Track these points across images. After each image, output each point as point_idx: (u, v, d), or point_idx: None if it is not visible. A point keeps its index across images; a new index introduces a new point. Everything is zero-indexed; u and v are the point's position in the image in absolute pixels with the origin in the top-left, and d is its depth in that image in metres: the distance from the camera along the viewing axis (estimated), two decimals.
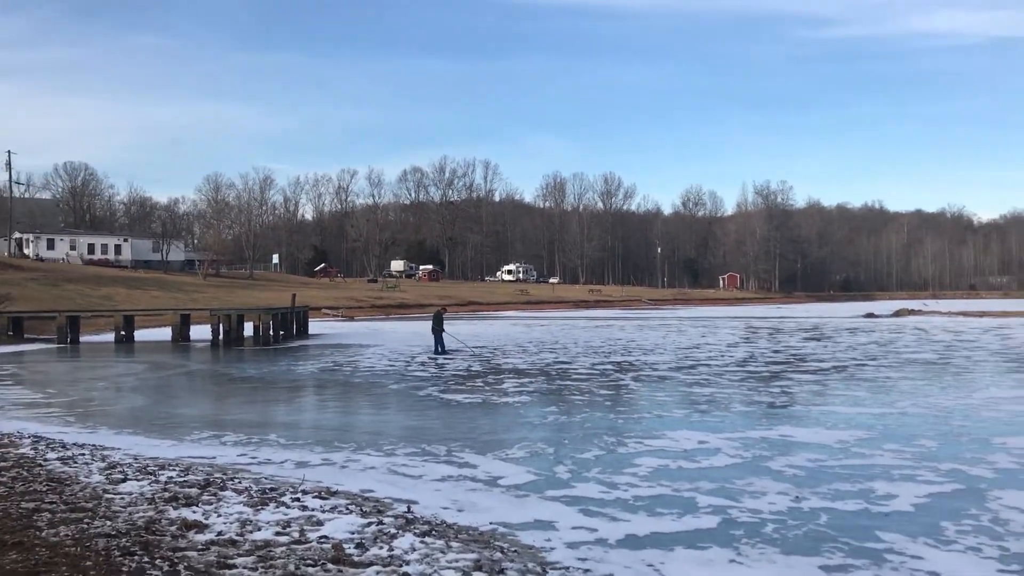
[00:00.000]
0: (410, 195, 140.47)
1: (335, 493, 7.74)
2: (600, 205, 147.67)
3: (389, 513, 7.04)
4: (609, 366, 21.29)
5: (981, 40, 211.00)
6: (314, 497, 7.45)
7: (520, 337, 32.93)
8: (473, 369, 20.75)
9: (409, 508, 7.22)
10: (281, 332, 33.99)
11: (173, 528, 6.16)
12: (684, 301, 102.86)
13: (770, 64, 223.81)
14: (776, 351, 26.26)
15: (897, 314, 58.96)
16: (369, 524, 6.51)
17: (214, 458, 9.82)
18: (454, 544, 6.05)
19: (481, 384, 17.51)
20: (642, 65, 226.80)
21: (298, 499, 7.29)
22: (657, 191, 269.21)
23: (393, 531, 6.31)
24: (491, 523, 6.89)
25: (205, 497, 7.25)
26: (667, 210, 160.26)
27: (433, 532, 6.32)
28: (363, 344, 30.26)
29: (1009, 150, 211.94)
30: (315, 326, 41.66)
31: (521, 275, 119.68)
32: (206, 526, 6.27)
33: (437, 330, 25.64)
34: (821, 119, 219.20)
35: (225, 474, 8.67)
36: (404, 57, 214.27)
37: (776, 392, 15.87)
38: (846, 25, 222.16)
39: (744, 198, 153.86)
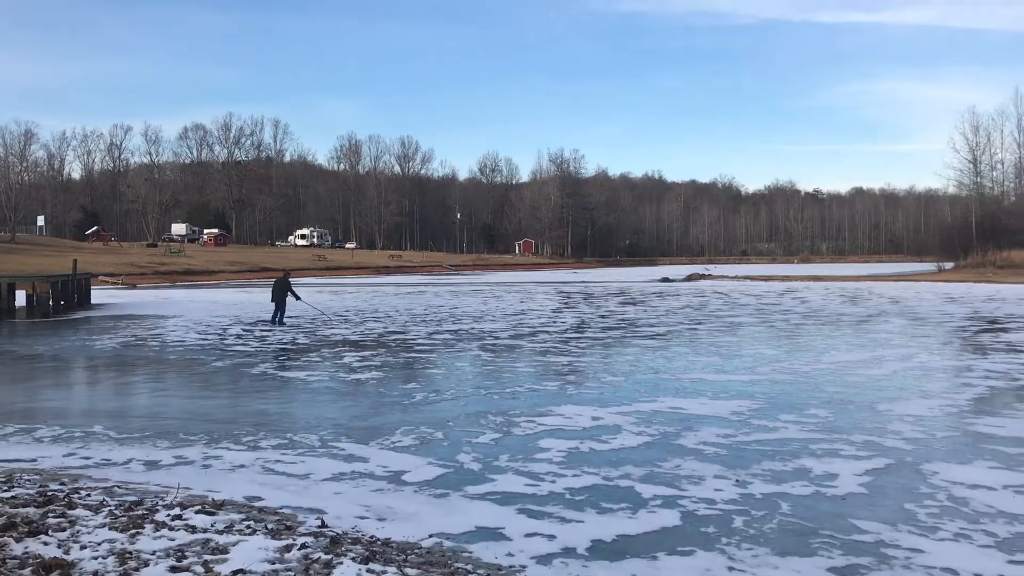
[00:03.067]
0: (192, 154, 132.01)
1: (221, 506, 6.22)
2: (397, 169, 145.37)
3: (301, 530, 5.66)
4: (447, 335, 20.25)
5: (751, 21, 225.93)
6: (196, 512, 5.91)
7: (334, 305, 31.13)
8: (300, 342, 19.05)
9: (322, 522, 5.87)
10: (62, 302, 30.27)
11: (27, 573, 4.53)
12: (484, 266, 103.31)
13: (562, 34, 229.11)
14: (603, 316, 26.23)
15: (690, 278, 61.75)
16: (288, 548, 5.12)
17: (35, 461, 7.90)
18: (410, 572, 4.82)
19: (318, 359, 15.96)
20: (438, 29, 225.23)
21: (178, 516, 5.74)
22: (455, 156, 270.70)
23: (323, 556, 4.98)
24: (430, 535, 5.71)
25: (52, 520, 5.53)
26: (465, 176, 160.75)
27: (375, 556, 5.05)
28: (160, 315, 27.39)
29: (773, 125, 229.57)
30: (96, 295, 37.62)
31: (315, 240, 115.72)
32: (71, 565, 4.67)
33: (280, 298, 23.38)
34: (608, 90, 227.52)
35: (63, 484, 6.87)
36: (177, 8, 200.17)
37: (632, 359, 15.45)
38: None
39: (539, 166, 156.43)
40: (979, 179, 73.78)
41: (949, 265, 61.42)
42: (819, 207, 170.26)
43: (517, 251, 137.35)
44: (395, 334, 20.67)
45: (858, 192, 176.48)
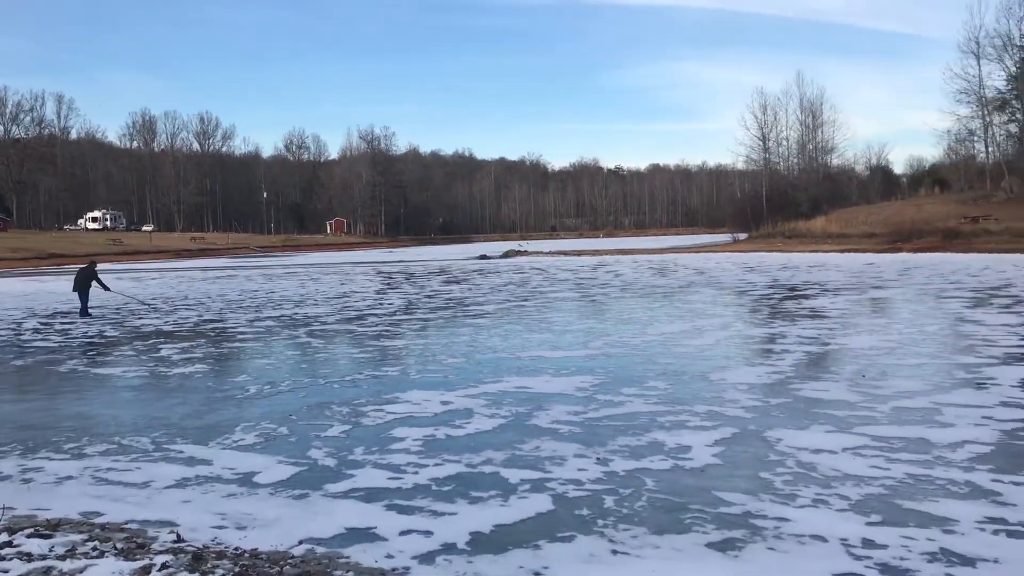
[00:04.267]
0: None
1: (56, 526, 5.53)
2: (196, 146, 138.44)
3: (156, 547, 5.13)
4: (270, 322, 19.40)
5: (552, 2, 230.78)
6: (28, 535, 5.21)
7: (140, 293, 29.16)
8: (108, 335, 17.66)
9: (177, 535, 5.35)
10: None
11: None
12: (295, 247, 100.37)
13: (368, 9, 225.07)
14: (429, 296, 26.06)
15: (507, 255, 62.67)
16: (146, 569, 4.60)
17: None
18: None
19: (132, 353, 14.83)
20: (233, 2, 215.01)
21: (7, 543, 5.03)
22: (258, 133, 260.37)
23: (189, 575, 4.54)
24: (299, 542, 5.34)
25: None
26: (270, 153, 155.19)
27: (247, 571, 4.65)
28: None
29: (576, 104, 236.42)
30: None
31: (109, 223, 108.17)
32: None
33: (83, 288, 21.46)
34: (415, 68, 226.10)
35: None
36: None
37: (469, 340, 15.38)
38: None
39: (349, 143, 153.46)
40: (767, 155, 79.20)
41: (743, 236, 65.59)
42: (621, 183, 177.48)
43: (329, 231, 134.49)
44: (212, 323, 19.57)
45: (656, 168, 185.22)
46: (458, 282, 33.06)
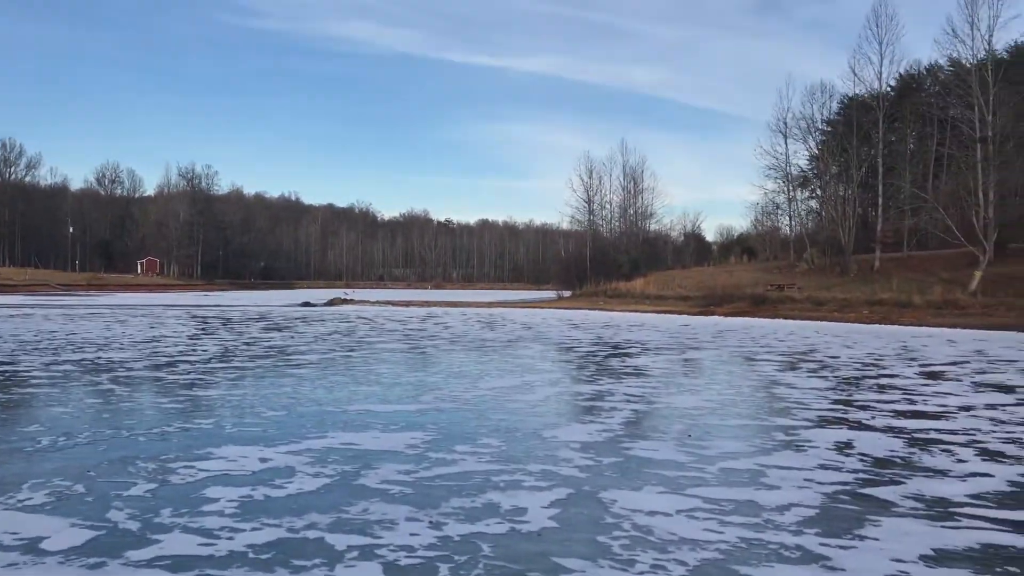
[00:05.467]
0: None
1: None
2: None
3: None
4: (69, 366, 17.76)
5: (389, 53, 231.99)
6: None
7: None
8: None
9: None
10: None
11: None
12: (101, 287, 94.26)
13: (191, 43, 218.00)
14: (248, 344, 24.83)
15: (332, 303, 61.22)
16: None
17: None
18: None
19: None
20: (35, 21, 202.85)
21: None
22: (67, 164, 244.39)
23: None
24: None
25: None
26: (79, 186, 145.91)
27: None
28: None
29: (408, 156, 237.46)
30: None
31: None
32: None
33: None
34: (244, 107, 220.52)
35: None
36: None
37: (291, 391, 14.61)
38: (265, 18, 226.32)
39: (167, 180, 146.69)
40: (592, 217, 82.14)
41: (567, 293, 67.31)
42: (451, 236, 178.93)
43: (140, 270, 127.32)
44: (1, 365, 17.71)
45: (485, 223, 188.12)
46: (279, 329, 31.80)
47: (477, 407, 12.98)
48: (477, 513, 7.12)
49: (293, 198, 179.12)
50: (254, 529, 6.57)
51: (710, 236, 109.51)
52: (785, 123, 66.33)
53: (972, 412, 12.88)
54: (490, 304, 61.88)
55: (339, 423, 11.41)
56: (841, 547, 6.28)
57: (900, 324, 38.68)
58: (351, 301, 64.26)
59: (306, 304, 58.64)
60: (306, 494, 7.70)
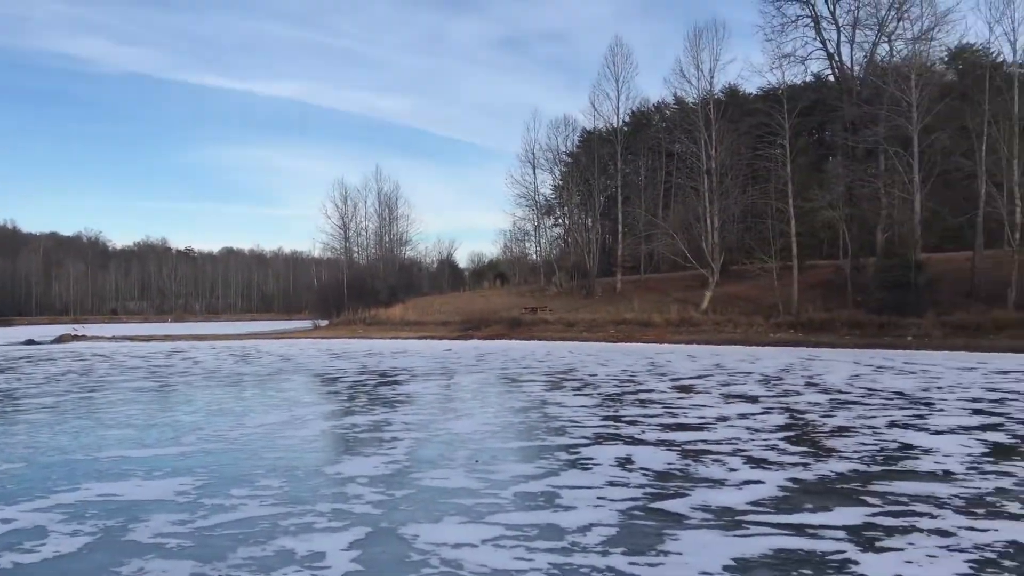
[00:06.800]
0: None
1: None
2: None
3: None
4: None
5: (120, 72, 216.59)
6: None
7: None
8: None
9: None
10: None
11: None
12: None
13: None
14: None
15: (61, 339, 55.77)
16: None
17: None
18: None
19: None
20: None
21: None
22: None
23: None
24: None
25: None
26: None
27: None
28: None
29: (143, 180, 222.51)
30: None
31: None
32: None
33: None
34: None
35: None
36: None
37: (27, 440, 12.91)
38: None
39: None
40: (348, 243, 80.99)
41: (324, 322, 65.72)
42: (192, 265, 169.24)
43: None
44: None
45: (230, 252, 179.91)
46: (2, 371, 28.37)
47: (247, 446, 12.14)
48: (271, 562, 6.54)
49: (9, 227, 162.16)
50: None
51: (463, 263, 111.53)
52: (533, 154, 69.17)
53: (729, 422, 13.82)
54: (241, 336, 59.12)
55: (92, 472, 10.20)
56: (649, 564, 6.37)
57: (643, 341, 41.28)
58: (83, 337, 58.88)
59: (30, 342, 52.97)
60: (65, 557, 6.73)
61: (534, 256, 78.18)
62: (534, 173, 69.81)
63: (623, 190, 62.69)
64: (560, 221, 74.00)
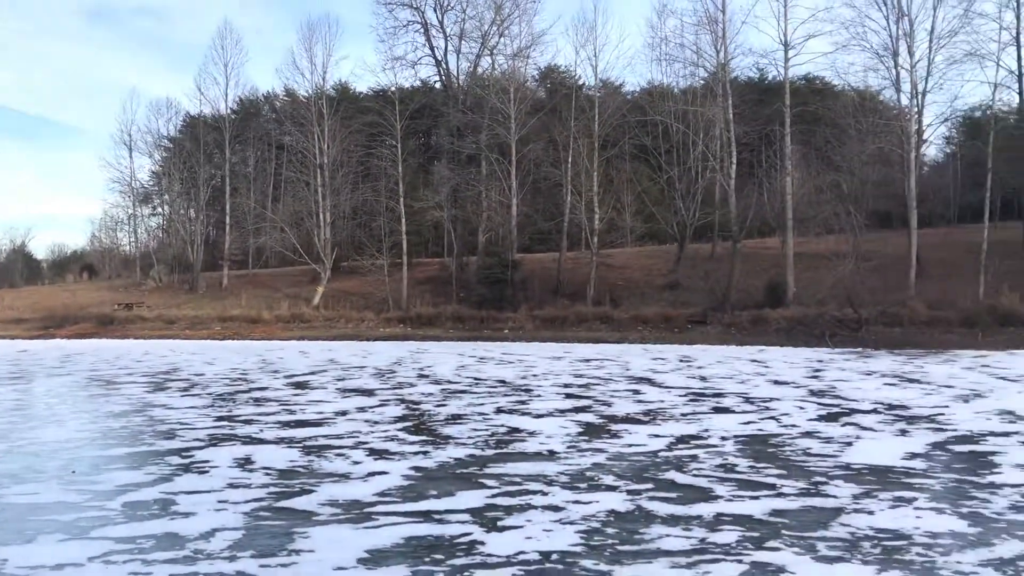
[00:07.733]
0: None
1: None
2: None
3: None
4: None
5: None
6: None
7: None
8: None
9: None
10: None
11: None
12: None
13: None
14: None
15: None
16: None
17: None
18: None
19: None
20: None
21: None
22: None
23: None
24: None
25: None
26: None
27: None
28: None
29: None
30: None
31: None
32: None
33: None
34: None
35: None
36: None
37: None
38: None
39: None
40: None
41: None
42: None
43: None
44: None
45: None
46: None
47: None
48: None
49: None
50: None
51: (40, 254, 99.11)
52: (130, 135, 63.71)
53: (348, 416, 13.82)
54: None
55: None
56: (282, 565, 6.10)
57: (252, 339, 40.02)
58: None
59: None
60: None
61: (129, 248, 72.27)
62: (130, 156, 64.51)
63: (231, 180, 60.18)
64: (160, 210, 69.21)
